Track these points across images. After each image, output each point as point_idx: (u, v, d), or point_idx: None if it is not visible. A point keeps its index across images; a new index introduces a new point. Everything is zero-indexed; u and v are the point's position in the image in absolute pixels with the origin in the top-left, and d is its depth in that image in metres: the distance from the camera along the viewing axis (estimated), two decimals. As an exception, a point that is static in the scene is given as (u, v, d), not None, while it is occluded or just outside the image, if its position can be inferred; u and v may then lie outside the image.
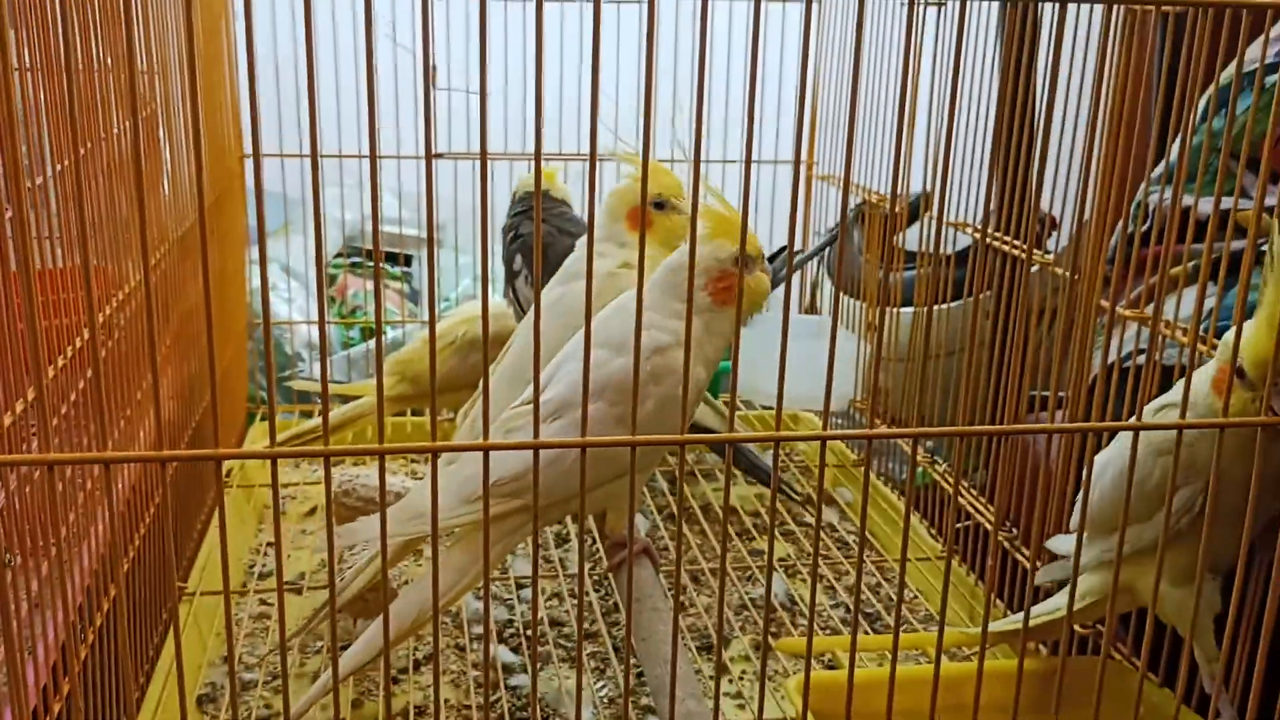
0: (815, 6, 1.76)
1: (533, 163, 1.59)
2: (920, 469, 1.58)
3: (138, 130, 0.53)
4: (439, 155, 1.76)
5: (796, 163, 0.68)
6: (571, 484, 0.86)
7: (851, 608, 1.32)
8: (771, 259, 1.72)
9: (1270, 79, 1.13)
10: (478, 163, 1.76)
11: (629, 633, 0.69)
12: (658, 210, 1.17)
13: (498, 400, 1.10)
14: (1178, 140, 1.25)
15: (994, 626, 0.92)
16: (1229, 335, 0.75)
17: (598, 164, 0.68)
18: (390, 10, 1.95)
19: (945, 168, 0.74)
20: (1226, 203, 1.00)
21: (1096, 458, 0.88)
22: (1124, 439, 0.84)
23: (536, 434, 0.66)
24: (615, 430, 0.87)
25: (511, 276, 1.46)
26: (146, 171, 1.16)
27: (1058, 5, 0.69)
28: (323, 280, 0.65)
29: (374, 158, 0.61)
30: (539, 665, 1.21)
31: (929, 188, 1.56)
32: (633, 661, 1.22)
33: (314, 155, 0.61)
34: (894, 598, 1.34)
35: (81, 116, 0.92)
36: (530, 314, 1.13)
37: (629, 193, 1.19)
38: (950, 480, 1.44)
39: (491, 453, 0.87)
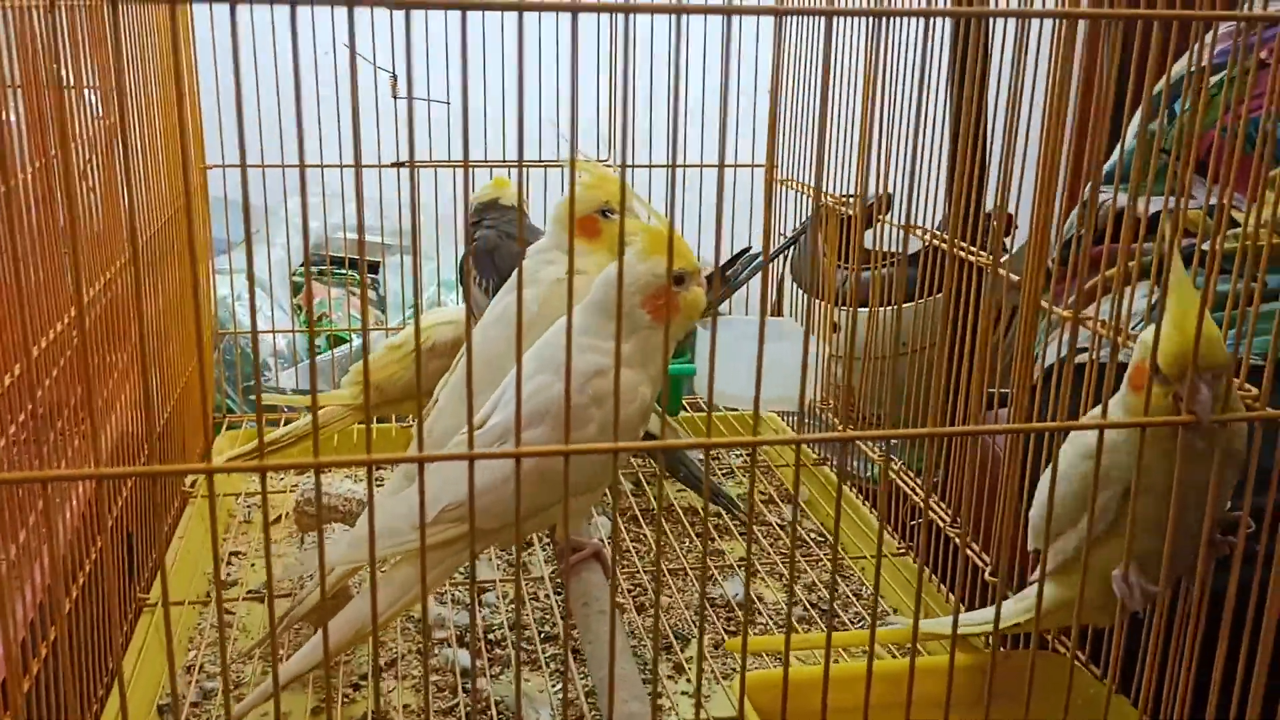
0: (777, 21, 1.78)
1: (484, 171, 1.61)
2: (876, 466, 1.60)
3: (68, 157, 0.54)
4: (400, 164, 1.77)
5: (769, 168, 0.70)
6: (530, 499, 0.87)
7: (807, 606, 1.34)
8: (731, 263, 1.74)
9: (1215, 78, 1.15)
10: (443, 170, 1.79)
11: (566, 638, 0.71)
12: (605, 218, 1.19)
13: (451, 413, 1.12)
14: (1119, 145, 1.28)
15: (925, 626, 0.95)
16: (1146, 334, 0.77)
17: (525, 170, 0.69)
18: (329, 17, 1.96)
19: (884, 173, 0.76)
20: (1163, 202, 1.02)
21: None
22: (1068, 445, 0.86)
23: (471, 445, 0.68)
24: (549, 460, 0.87)
25: (466, 278, 1.48)
26: (105, 183, 1.18)
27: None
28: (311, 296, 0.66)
29: (358, 166, 0.62)
30: (498, 670, 1.22)
31: (879, 191, 1.59)
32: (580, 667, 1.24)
33: (301, 165, 0.62)
34: (851, 595, 1.37)
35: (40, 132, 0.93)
36: (481, 324, 1.15)
37: (580, 201, 1.21)
38: (905, 479, 1.46)
39: (441, 478, 0.89)
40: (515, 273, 1.18)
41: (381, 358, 1.64)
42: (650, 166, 1.72)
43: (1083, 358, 1.06)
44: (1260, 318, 1.01)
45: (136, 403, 1.31)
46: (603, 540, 1.13)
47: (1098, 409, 0.88)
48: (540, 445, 0.86)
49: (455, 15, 0.63)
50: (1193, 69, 1.04)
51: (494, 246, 1.44)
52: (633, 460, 1.67)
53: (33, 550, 0.87)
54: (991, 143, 1.28)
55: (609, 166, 1.89)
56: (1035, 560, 0.93)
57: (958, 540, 1.26)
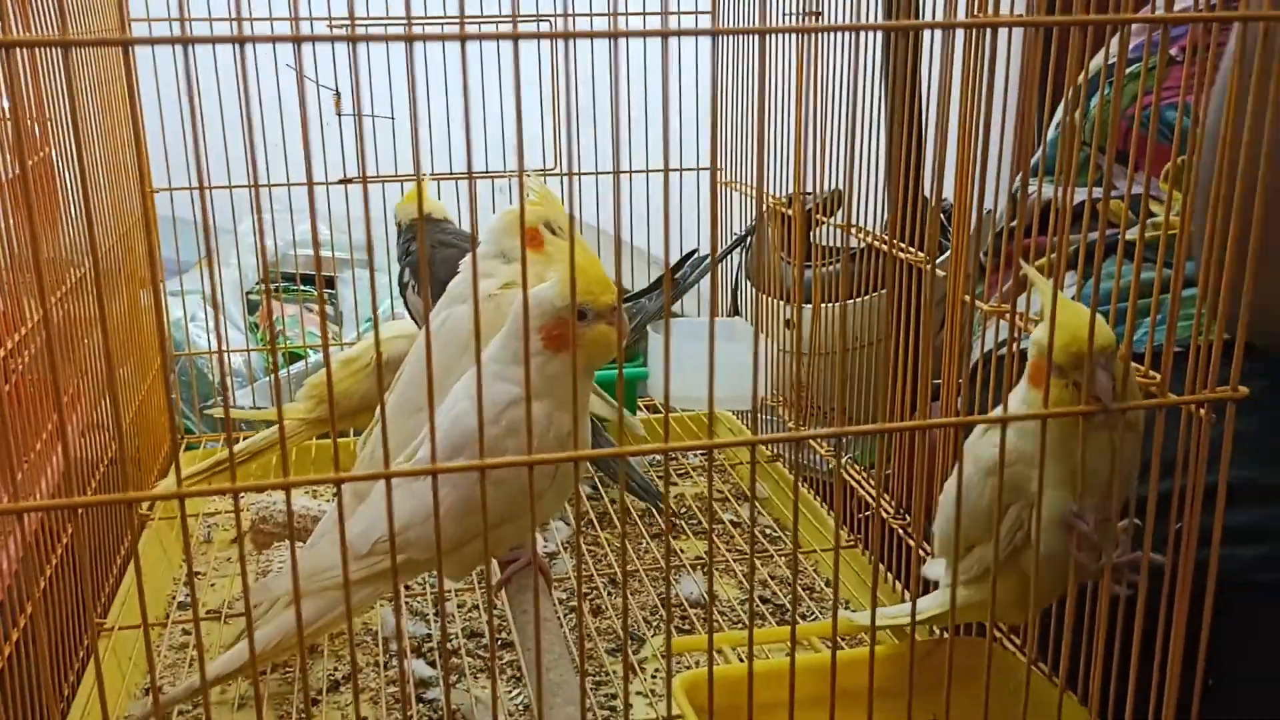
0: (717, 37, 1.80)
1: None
2: (826, 460, 1.62)
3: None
4: (348, 180, 1.78)
5: (714, 171, 0.71)
6: (464, 527, 0.88)
7: (766, 599, 1.37)
8: (679, 265, 1.76)
9: (1129, 69, 1.18)
10: (390, 185, 1.80)
11: (493, 652, 0.73)
12: (548, 232, 1.21)
13: (390, 429, 1.14)
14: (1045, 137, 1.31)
15: (845, 618, 0.97)
16: (1038, 331, 0.80)
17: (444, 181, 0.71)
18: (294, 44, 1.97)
19: (823, 174, 0.78)
20: (1090, 192, 1.05)
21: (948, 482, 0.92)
22: (968, 462, 0.88)
23: (387, 465, 0.69)
24: (477, 486, 0.86)
25: (402, 289, 1.50)
26: (42, 209, 1.18)
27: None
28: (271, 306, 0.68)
29: (310, 184, 0.64)
30: (455, 679, 1.24)
31: (828, 190, 1.61)
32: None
33: (254, 185, 0.63)
34: (803, 590, 1.39)
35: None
36: (418, 339, 1.16)
37: (518, 214, 1.23)
38: (851, 473, 1.48)
39: (376, 511, 0.89)
40: (447, 287, 1.20)
41: (337, 372, 1.65)
42: (597, 174, 1.74)
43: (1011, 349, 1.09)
44: (1182, 303, 1.05)
45: (86, 428, 1.32)
46: (548, 549, 1.14)
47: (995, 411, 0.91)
48: (462, 476, 0.84)
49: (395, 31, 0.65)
50: (1110, 62, 1.07)
51: (431, 259, 1.46)
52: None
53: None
54: (924, 144, 1.31)
55: (555, 175, 1.91)
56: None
57: (902, 531, 1.29)
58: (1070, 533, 0.80)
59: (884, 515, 1.32)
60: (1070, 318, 0.77)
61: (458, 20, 0.64)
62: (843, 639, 1.11)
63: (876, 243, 1.42)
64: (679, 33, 0.67)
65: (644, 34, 0.68)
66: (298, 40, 0.65)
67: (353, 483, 1.07)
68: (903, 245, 1.35)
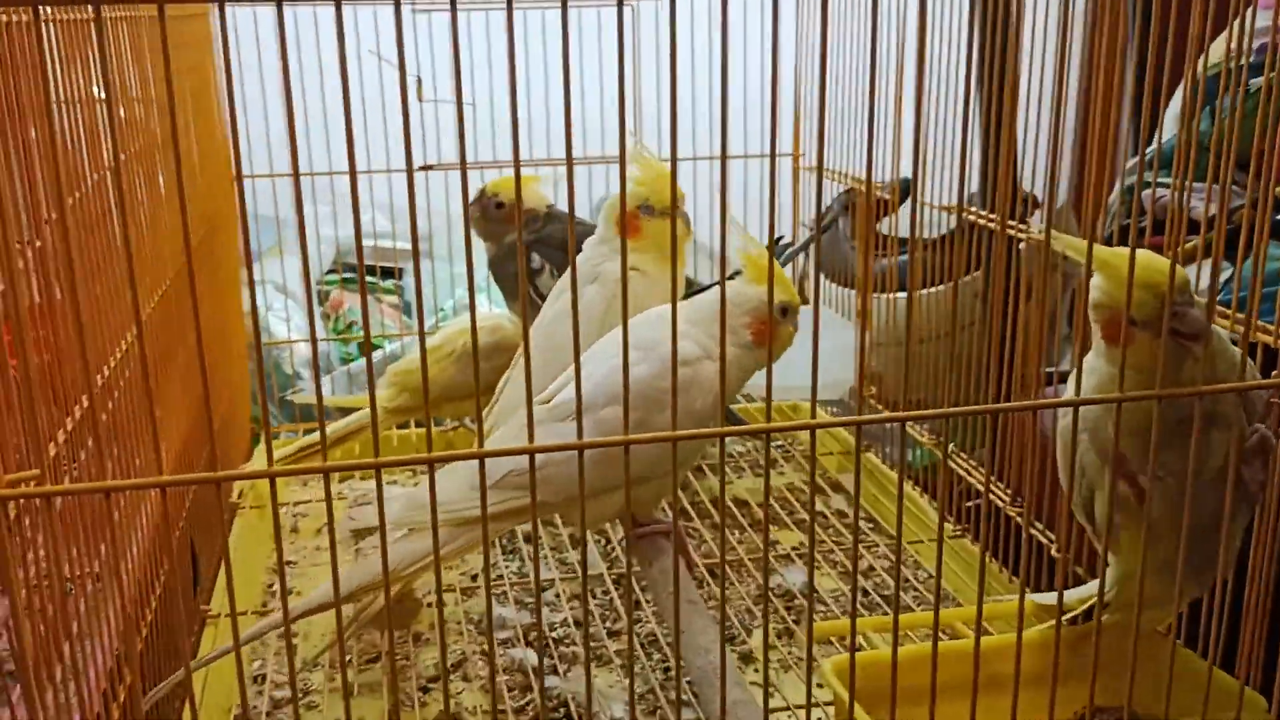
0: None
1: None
2: (925, 450, 1.60)
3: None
4: (428, 167, 1.77)
5: (773, 155, 0.69)
6: (602, 475, 0.88)
7: (868, 591, 1.34)
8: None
9: (1254, 81, 1.13)
10: (473, 172, 1.78)
11: (629, 608, 0.71)
12: (647, 216, 1.18)
13: (516, 404, 1.12)
14: (1156, 132, 1.28)
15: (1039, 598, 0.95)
16: (1095, 285, 0.78)
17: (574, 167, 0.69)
18: (374, 26, 1.96)
19: (917, 151, 0.76)
20: (1208, 199, 1.02)
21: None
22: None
23: (531, 439, 0.68)
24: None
25: (532, 275, 1.47)
26: (145, 203, 1.17)
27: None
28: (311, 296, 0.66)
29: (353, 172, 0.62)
30: (565, 668, 1.22)
31: (895, 179, 1.59)
32: (658, 658, 1.24)
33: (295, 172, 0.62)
34: (909, 580, 1.36)
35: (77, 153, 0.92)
36: (541, 318, 1.15)
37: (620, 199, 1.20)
38: (958, 460, 1.46)
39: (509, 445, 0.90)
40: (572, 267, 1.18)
41: (415, 361, 1.64)
42: (694, 159, 1.71)
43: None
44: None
45: (188, 418, 1.31)
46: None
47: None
48: (612, 422, 0.89)
49: (478, 16, 0.64)
50: (1230, 65, 1.03)
51: (565, 242, 1.45)
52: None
53: (110, 567, 0.87)
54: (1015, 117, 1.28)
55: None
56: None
57: (1019, 520, 1.26)
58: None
59: (998, 503, 1.29)
60: (1131, 262, 0.75)
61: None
62: (988, 624, 1.08)
63: (977, 218, 1.39)
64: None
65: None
66: (396, 2, 0.62)
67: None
68: (992, 217, 1.33)
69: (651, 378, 0.91)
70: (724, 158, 0.69)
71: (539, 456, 0.86)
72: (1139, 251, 0.75)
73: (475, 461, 0.93)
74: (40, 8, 0.53)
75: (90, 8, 0.56)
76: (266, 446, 0.68)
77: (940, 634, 1.20)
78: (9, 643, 0.82)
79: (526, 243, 1.47)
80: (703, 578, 1.37)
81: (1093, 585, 0.95)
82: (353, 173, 0.62)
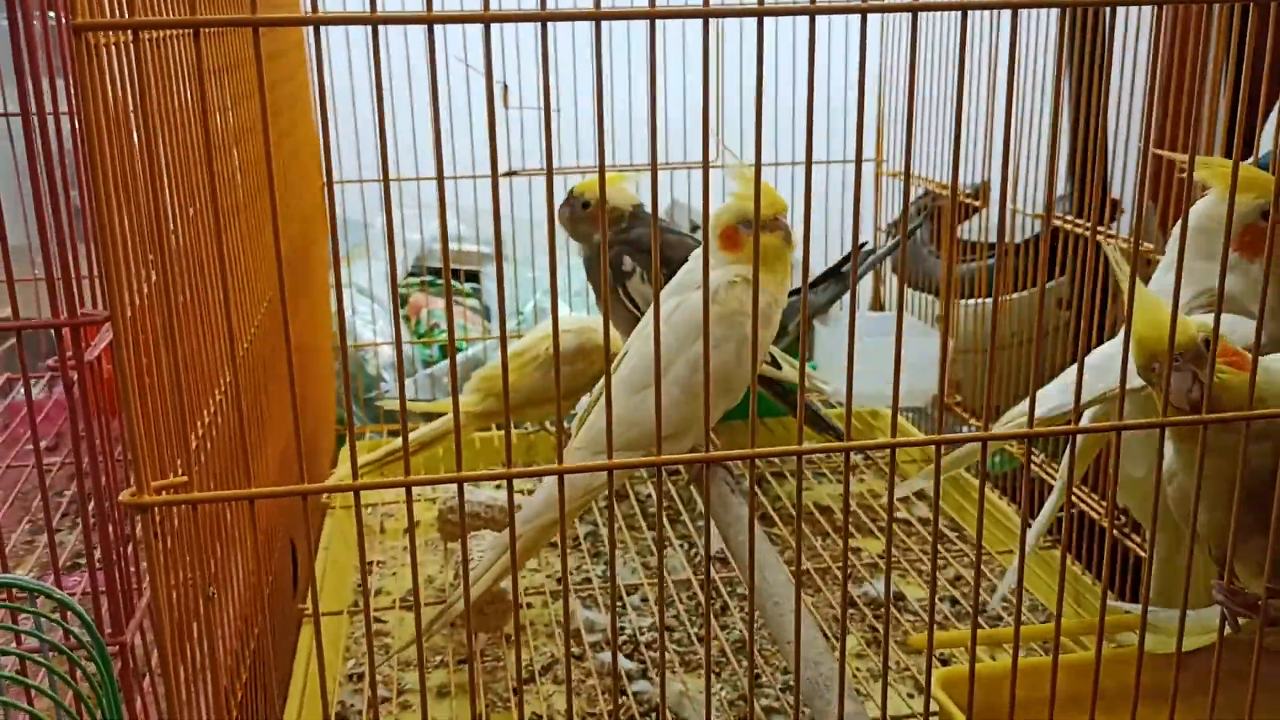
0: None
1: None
2: (1013, 459, 1.59)
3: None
4: (513, 173, 1.79)
5: (859, 160, 0.70)
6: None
7: (956, 600, 1.34)
8: (848, 258, 1.73)
9: None
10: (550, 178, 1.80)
11: (709, 529, 0.72)
12: (746, 230, 1.17)
13: (616, 410, 1.14)
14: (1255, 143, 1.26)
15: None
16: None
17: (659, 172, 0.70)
18: (461, 34, 1.99)
19: (1007, 159, 0.76)
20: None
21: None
22: None
23: (610, 454, 0.68)
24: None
25: (623, 279, 1.48)
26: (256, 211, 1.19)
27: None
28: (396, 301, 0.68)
29: (440, 178, 0.64)
30: (655, 672, 1.23)
31: (988, 177, 1.58)
32: (744, 665, 1.24)
33: (384, 175, 0.63)
34: (999, 593, 1.36)
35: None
36: (643, 325, 1.16)
37: (724, 212, 1.19)
38: (1048, 471, 1.44)
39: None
40: (677, 274, 1.19)
41: (499, 365, 1.66)
42: (776, 164, 1.71)
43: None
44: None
45: (289, 420, 1.34)
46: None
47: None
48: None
49: (573, 24, 0.65)
50: None
51: (661, 244, 1.45)
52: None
53: (231, 573, 0.90)
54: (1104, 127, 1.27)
55: (717, 167, 1.89)
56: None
57: (1117, 533, 1.25)
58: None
59: (1093, 515, 1.28)
60: (1147, 313, 0.74)
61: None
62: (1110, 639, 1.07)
63: (1067, 225, 1.38)
64: (827, 10, 0.65)
65: (791, 11, 0.67)
66: (486, 20, 0.63)
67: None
68: (1078, 221, 1.32)
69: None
70: (809, 163, 0.70)
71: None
72: (1158, 301, 0.76)
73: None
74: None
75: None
76: (351, 456, 0.70)
77: (1046, 647, 1.20)
78: (159, 656, 0.85)
79: (617, 244, 1.48)
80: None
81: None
82: (441, 179, 0.63)
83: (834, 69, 1.66)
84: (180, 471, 0.64)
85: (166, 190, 0.71)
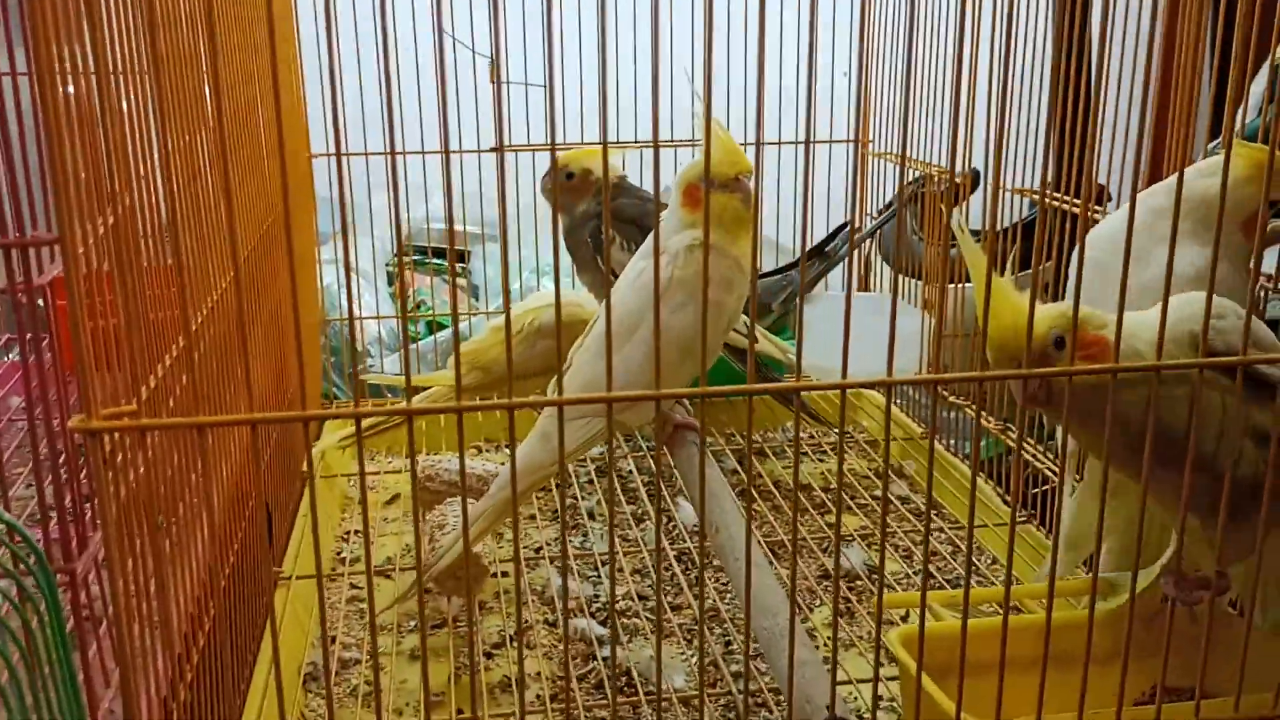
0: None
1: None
2: (991, 440, 1.59)
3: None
4: (500, 149, 1.78)
5: (859, 140, 0.70)
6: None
7: (932, 574, 1.34)
8: (832, 237, 1.74)
9: None
10: (537, 155, 1.80)
11: (659, 504, 0.72)
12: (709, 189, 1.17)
13: (589, 363, 1.14)
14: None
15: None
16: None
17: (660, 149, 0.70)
18: (449, 9, 1.99)
19: (1001, 138, 0.76)
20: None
21: None
22: None
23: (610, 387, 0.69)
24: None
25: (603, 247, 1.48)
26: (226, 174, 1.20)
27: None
28: (402, 268, 0.67)
29: (446, 151, 0.64)
30: (627, 638, 1.23)
31: (965, 170, 1.58)
32: (719, 632, 1.25)
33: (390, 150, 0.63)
34: (971, 563, 1.36)
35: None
36: (617, 287, 1.16)
37: (688, 169, 1.19)
38: (1022, 446, 1.44)
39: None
40: (650, 237, 1.19)
41: (487, 339, 1.66)
42: (771, 143, 1.71)
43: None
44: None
45: (265, 384, 1.34)
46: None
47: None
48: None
49: None
50: None
51: (640, 213, 1.45)
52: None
53: (196, 507, 0.90)
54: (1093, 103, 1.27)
55: (698, 144, 1.89)
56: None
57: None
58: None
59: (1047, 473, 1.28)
60: (999, 311, 0.73)
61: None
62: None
63: (1047, 200, 1.38)
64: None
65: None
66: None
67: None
68: (1067, 198, 1.32)
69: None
70: (809, 141, 0.70)
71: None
72: (1009, 295, 0.75)
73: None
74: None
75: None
76: (354, 398, 0.70)
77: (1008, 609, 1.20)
78: (99, 583, 0.85)
79: (596, 214, 1.49)
80: (770, 554, 1.37)
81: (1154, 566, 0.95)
82: (446, 153, 0.63)
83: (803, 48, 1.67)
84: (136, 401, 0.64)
85: (123, 126, 0.71)
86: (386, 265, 2.24)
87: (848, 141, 1.83)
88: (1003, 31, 0.66)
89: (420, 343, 2.00)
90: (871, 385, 0.71)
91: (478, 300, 2.20)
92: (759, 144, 0.69)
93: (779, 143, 1.82)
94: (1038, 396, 0.75)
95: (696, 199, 1.16)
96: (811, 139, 0.68)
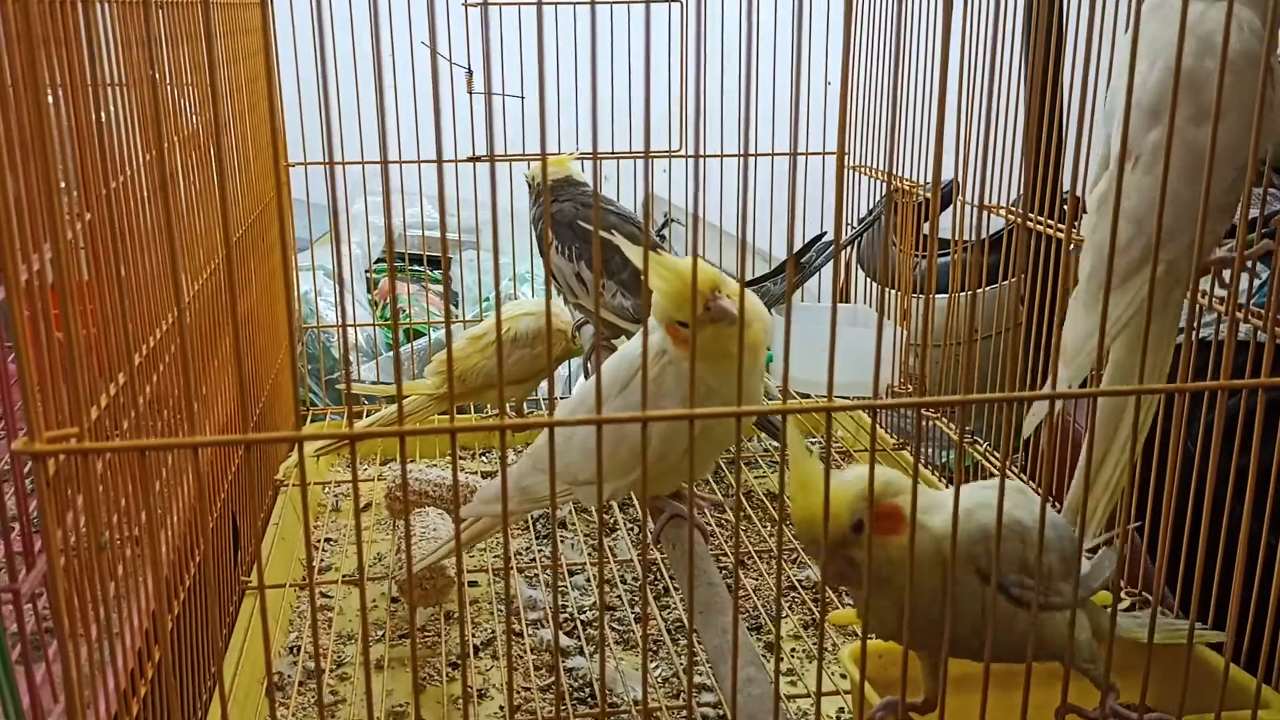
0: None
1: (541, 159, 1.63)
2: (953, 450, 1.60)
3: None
4: (480, 158, 1.80)
5: (840, 154, 0.71)
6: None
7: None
8: (807, 248, 1.74)
9: None
10: (512, 165, 1.81)
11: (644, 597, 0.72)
12: (686, 329, 0.97)
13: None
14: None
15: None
16: None
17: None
18: (427, 19, 1.99)
19: (962, 156, 0.77)
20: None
21: None
22: None
23: (599, 409, 0.69)
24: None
25: (548, 248, 1.47)
26: (203, 180, 1.21)
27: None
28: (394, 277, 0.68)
29: (441, 162, 0.64)
30: (591, 649, 1.24)
31: (957, 175, 1.59)
32: (684, 643, 1.25)
33: (384, 160, 0.64)
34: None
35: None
36: (594, 377, 1.11)
37: (656, 310, 0.98)
38: (991, 459, 1.46)
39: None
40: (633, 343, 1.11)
41: (464, 348, 1.67)
42: (722, 156, 1.73)
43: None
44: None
45: (232, 400, 1.34)
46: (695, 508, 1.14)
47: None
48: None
49: (529, 11, 0.65)
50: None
51: (573, 217, 1.46)
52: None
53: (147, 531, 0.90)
54: (1067, 122, 1.28)
55: (680, 157, 1.90)
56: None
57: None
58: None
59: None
60: (801, 493, 0.73)
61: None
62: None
63: (1014, 217, 1.39)
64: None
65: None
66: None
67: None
68: (1042, 219, 1.33)
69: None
70: (794, 154, 0.70)
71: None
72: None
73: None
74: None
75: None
76: (348, 409, 0.71)
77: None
78: (49, 601, 0.86)
79: (537, 219, 1.51)
80: (728, 568, 1.38)
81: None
82: (440, 162, 0.64)
83: (783, 62, 1.68)
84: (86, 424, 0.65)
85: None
86: (365, 272, 2.25)
87: (824, 154, 1.84)
88: (987, 51, 0.66)
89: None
90: (859, 408, 0.72)
91: (456, 308, 2.21)
92: (743, 155, 0.69)
93: (757, 155, 1.84)
94: (843, 574, 0.75)
95: (679, 336, 0.98)
96: (795, 151, 0.68)
